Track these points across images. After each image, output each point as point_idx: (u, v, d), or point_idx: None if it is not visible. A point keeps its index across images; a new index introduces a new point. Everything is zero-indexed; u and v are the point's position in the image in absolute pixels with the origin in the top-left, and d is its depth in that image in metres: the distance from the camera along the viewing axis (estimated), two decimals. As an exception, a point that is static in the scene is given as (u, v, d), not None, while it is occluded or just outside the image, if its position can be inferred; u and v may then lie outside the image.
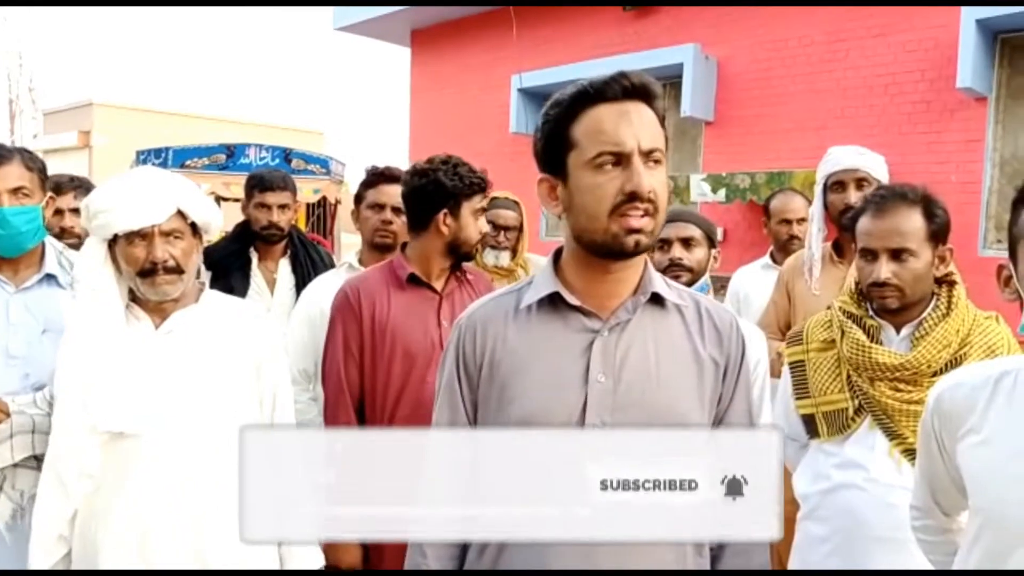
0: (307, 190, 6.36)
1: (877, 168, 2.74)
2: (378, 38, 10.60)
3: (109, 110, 19.25)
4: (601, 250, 1.26)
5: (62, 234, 2.93)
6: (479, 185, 2.28)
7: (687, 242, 2.37)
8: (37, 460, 2.01)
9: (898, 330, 1.90)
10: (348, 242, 8.03)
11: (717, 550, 1.36)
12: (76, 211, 2.94)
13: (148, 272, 1.78)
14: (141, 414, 1.77)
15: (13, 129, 23.72)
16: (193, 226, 1.87)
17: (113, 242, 1.81)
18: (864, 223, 1.89)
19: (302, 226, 6.40)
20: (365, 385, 2.25)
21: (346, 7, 9.96)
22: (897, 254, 1.83)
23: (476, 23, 9.31)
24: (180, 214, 1.82)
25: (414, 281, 2.28)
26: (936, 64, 6.09)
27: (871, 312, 1.94)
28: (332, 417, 2.25)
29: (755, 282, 3.58)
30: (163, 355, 1.82)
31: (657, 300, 1.33)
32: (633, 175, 1.20)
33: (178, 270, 1.81)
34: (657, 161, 1.23)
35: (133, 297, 1.87)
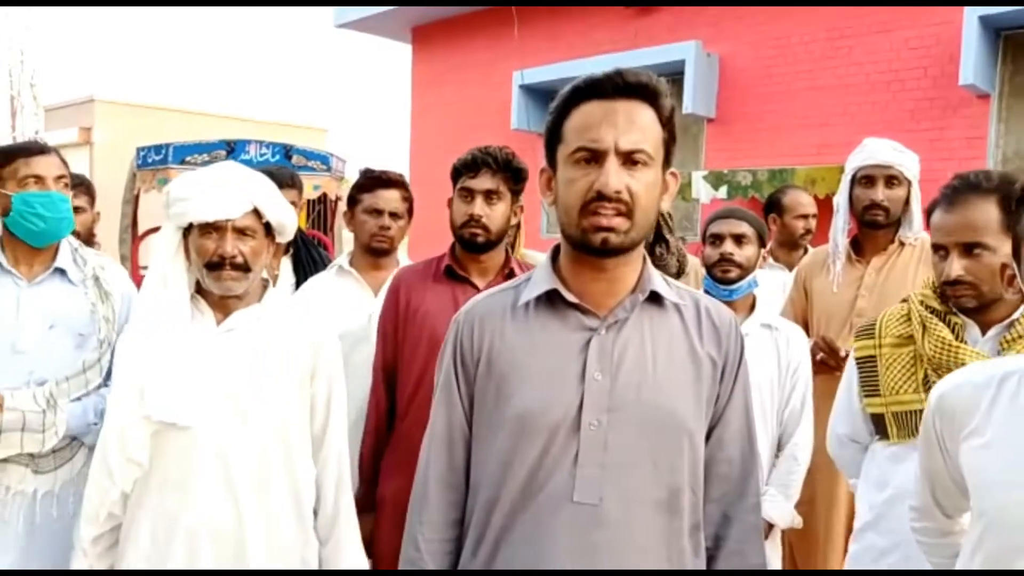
0: (308, 187, 6.35)
1: (911, 167, 2.66)
2: (379, 35, 10.58)
3: (110, 106, 19.23)
4: (576, 245, 1.27)
5: None
6: (464, 165, 2.29)
7: (739, 239, 2.44)
8: (32, 457, 2.00)
9: (984, 330, 1.74)
10: (349, 238, 8.02)
11: (713, 549, 1.35)
12: (76, 209, 2.92)
13: (215, 265, 1.80)
14: (194, 408, 1.78)
15: (15, 125, 23.72)
16: (267, 226, 1.88)
17: (188, 232, 1.83)
18: (935, 217, 1.75)
19: (303, 223, 6.39)
20: (396, 366, 2.35)
21: (347, 5, 9.94)
22: (969, 248, 1.67)
23: (477, 20, 9.29)
24: (256, 213, 1.84)
25: (452, 274, 2.31)
26: (939, 61, 6.07)
27: (954, 309, 1.78)
28: (372, 391, 2.41)
29: (760, 279, 3.56)
30: (221, 353, 1.84)
31: (656, 299, 1.32)
32: (602, 174, 1.20)
33: (245, 267, 1.82)
34: (640, 162, 1.22)
35: (199, 289, 1.89)
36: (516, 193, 2.32)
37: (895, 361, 1.85)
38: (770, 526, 2.43)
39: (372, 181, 2.77)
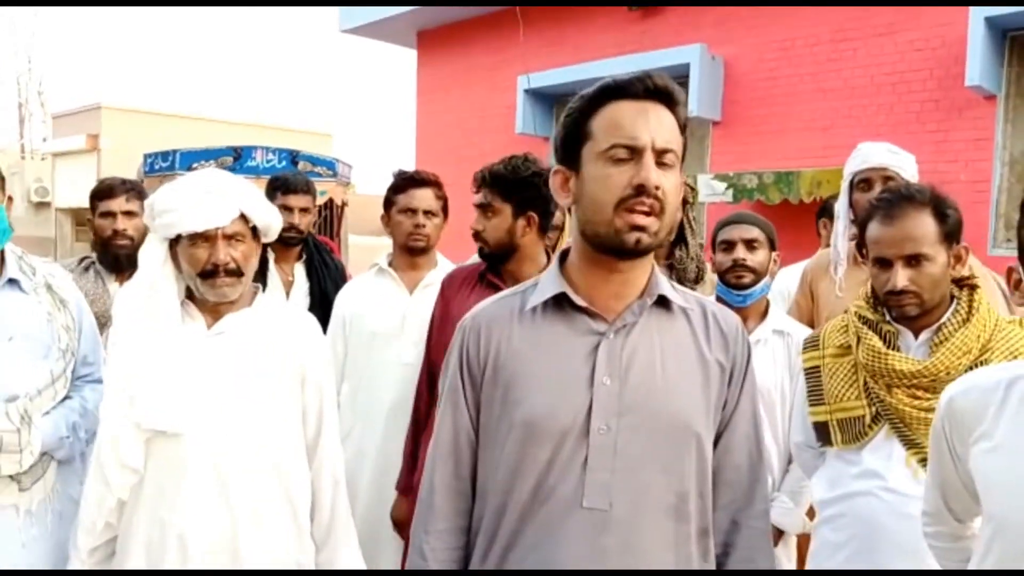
0: (314, 192, 6.37)
1: (907, 167, 2.66)
2: (384, 40, 10.61)
3: (117, 113, 19.31)
4: (603, 245, 1.26)
5: (114, 236, 2.87)
6: (475, 180, 2.36)
7: (750, 244, 2.45)
8: (11, 475, 1.91)
9: (916, 335, 1.82)
10: (355, 243, 8.05)
11: (722, 556, 1.35)
12: (128, 214, 2.90)
13: (209, 274, 1.81)
14: (184, 415, 1.78)
15: (22, 132, 23.86)
16: (254, 230, 1.90)
17: (175, 242, 1.83)
18: (874, 230, 1.82)
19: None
20: (436, 364, 2.41)
21: (352, 7, 9.97)
22: (912, 260, 1.75)
23: (482, 24, 9.31)
24: (243, 218, 1.85)
25: (490, 283, 2.35)
26: (944, 62, 6.05)
27: (888, 317, 1.86)
28: (418, 384, 2.54)
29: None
30: (212, 357, 1.84)
31: (663, 303, 1.32)
32: (642, 169, 1.20)
33: (238, 273, 1.83)
34: (669, 164, 1.23)
35: (188, 296, 1.89)
36: (520, 203, 2.32)
37: (837, 370, 1.93)
38: (780, 532, 2.43)
39: (405, 181, 2.81)
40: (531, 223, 2.33)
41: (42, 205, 19.94)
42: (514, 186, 2.31)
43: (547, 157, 9.10)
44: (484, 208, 2.33)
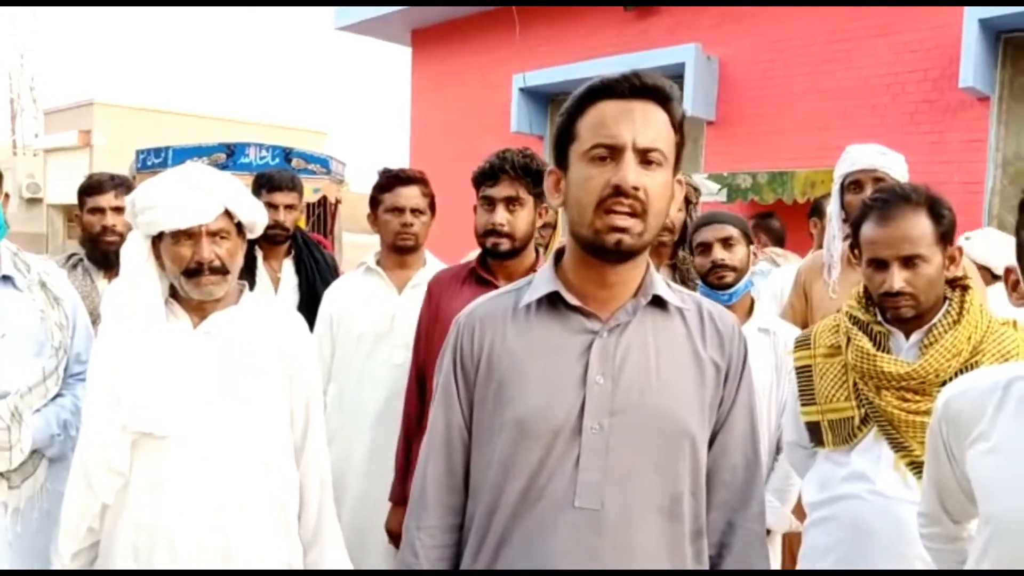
0: (307, 190, 6.35)
1: (897, 168, 2.66)
2: (379, 38, 10.58)
3: (110, 109, 19.23)
4: (587, 246, 1.25)
5: (103, 232, 2.85)
6: (482, 174, 2.31)
7: (726, 242, 2.45)
8: (1, 472, 1.90)
9: (907, 336, 1.81)
10: (349, 241, 8.02)
11: (716, 558, 1.35)
12: (117, 210, 2.87)
13: (193, 272, 1.77)
14: (171, 416, 1.75)
15: (14, 128, 23.75)
16: (239, 226, 1.86)
17: (158, 239, 1.80)
18: (869, 231, 1.79)
19: (303, 225, 6.39)
20: (427, 367, 2.38)
21: (347, 7, 9.95)
22: (908, 261, 1.73)
23: (477, 23, 9.29)
24: (227, 214, 1.81)
25: (480, 279, 2.33)
26: (938, 64, 6.06)
27: (879, 318, 1.85)
28: (406, 390, 2.49)
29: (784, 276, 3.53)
30: (199, 356, 1.81)
31: (659, 303, 1.31)
32: (620, 169, 1.19)
33: (223, 270, 1.80)
34: (655, 162, 1.21)
35: (173, 294, 1.86)
36: (539, 195, 2.31)
37: (828, 370, 1.93)
38: (767, 531, 2.43)
39: (391, 180, 2.76)
40: (542, 216, 2.35)
41: (33, 201, 19.85)
42: (537, 177, 2.28)
43: (542, 156, 9.07)
44: (511, 201, 2.27)
